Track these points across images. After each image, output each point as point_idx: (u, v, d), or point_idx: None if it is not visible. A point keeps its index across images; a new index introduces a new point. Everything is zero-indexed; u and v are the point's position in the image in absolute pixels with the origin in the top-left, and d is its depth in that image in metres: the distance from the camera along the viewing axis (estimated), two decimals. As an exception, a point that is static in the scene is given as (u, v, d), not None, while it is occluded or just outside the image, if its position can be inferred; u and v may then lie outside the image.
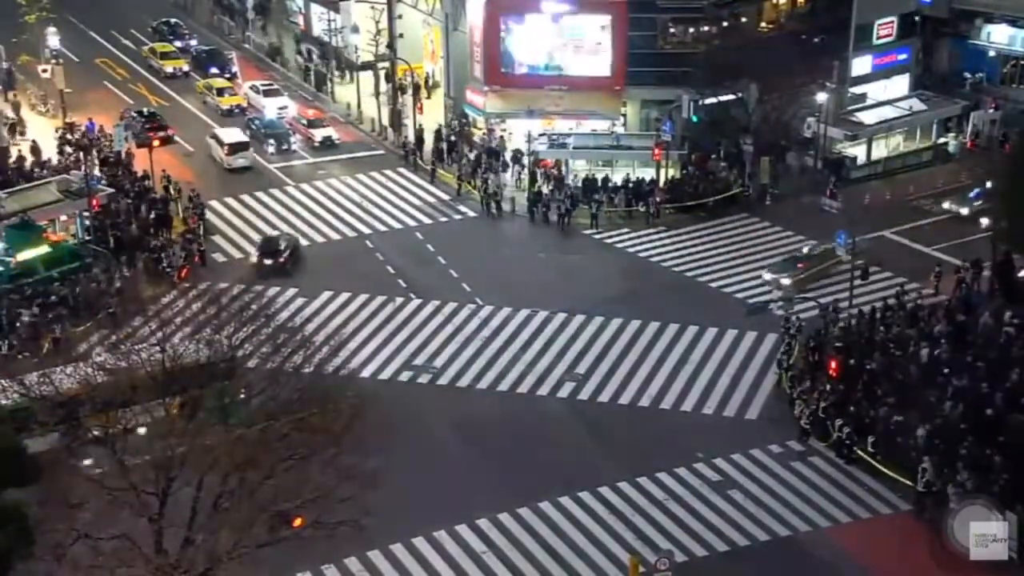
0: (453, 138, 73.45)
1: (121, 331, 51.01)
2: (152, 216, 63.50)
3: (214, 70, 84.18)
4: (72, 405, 36.92)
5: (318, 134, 75.00)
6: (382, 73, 79.65)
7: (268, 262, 60.16)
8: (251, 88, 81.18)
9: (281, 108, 78.56)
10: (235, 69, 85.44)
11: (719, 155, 69.46)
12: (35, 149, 70.56)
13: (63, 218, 61.83)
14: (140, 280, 58.32)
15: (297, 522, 35.08)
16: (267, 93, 79.95)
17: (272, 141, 74.07)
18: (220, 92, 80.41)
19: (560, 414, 49.96)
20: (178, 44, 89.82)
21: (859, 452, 45.81)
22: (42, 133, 74.10)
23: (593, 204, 65.62)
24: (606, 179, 68.13)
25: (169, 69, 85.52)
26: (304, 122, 76.67)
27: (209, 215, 65.62)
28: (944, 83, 76.77)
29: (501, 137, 72.92)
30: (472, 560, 41.76)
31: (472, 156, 71.19)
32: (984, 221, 58.26)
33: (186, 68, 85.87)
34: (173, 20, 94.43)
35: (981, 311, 51.11)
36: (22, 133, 74.59)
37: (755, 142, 68.31)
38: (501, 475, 45.98)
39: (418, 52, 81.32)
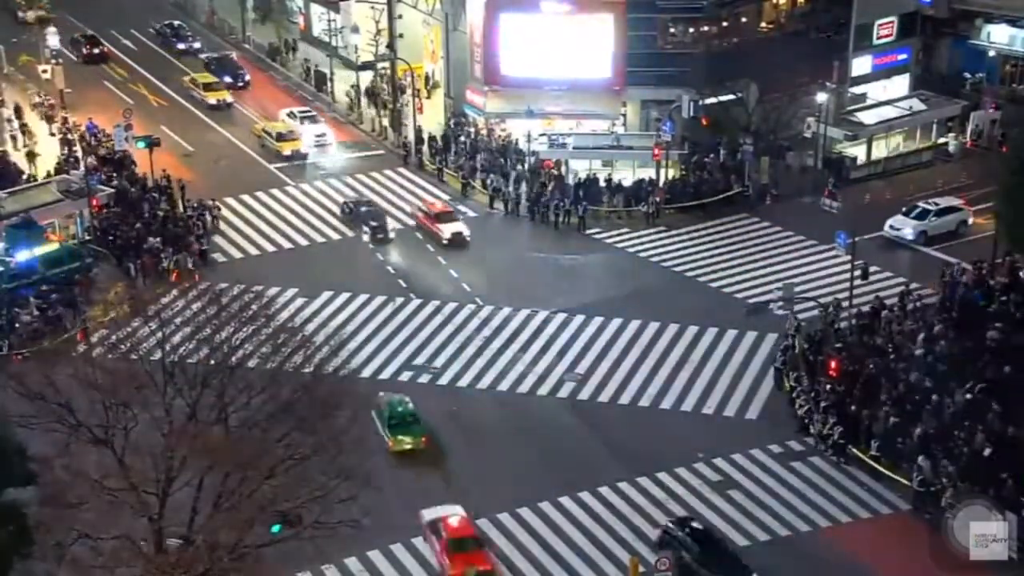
0: (462, 137, 73.38)
1: (121, 331, 50.91)
2: (152, 216, 63.49)
3: (227, 79, 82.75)
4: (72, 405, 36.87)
5: (446, 230, 63.74)
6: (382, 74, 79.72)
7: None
8: (288, 115, 77.64)
9: (319, 136, 75.09)
10: (248, 78, 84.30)
11: (716, 155, 69.46)
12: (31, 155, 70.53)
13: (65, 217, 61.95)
14: (140, 280, 58.25)
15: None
16: (304, 120, 76.60)
17: (367, 227, 64.66)
18: (281, 137, 74.04)
19: (560, 414, 49.97)
20: (181, 46, 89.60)
21: (856, 452, 45.82)
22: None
23: (593, 204, 65.59)
24: (609, 178, 68.04)
25: (212, 101, 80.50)
26: (431, 214, 65.16)
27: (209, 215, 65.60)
28: (944, 83, 76.77)
29: (498, 137, 72.95)
30: (472, 560, 41.79)
31: (479, 158, 71.09)
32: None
33: (230, 100, 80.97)
34: (176, 23, 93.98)
35: (977, 311, 51.13)
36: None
37: (755, 142, 68.31)
38: (501, 475, 45.98)
39: (418, 52, 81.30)
